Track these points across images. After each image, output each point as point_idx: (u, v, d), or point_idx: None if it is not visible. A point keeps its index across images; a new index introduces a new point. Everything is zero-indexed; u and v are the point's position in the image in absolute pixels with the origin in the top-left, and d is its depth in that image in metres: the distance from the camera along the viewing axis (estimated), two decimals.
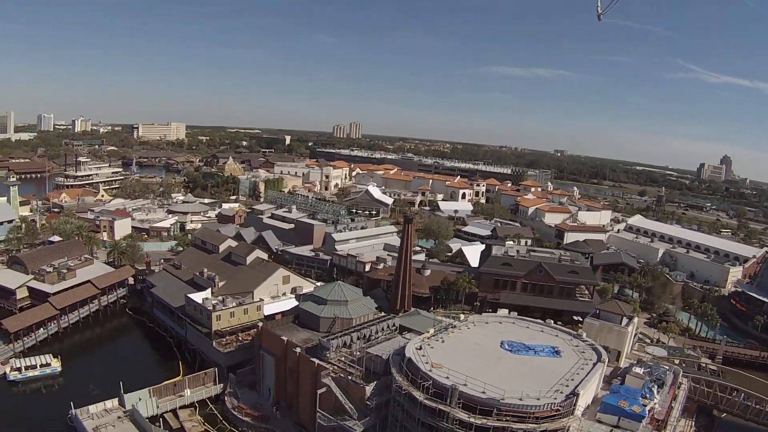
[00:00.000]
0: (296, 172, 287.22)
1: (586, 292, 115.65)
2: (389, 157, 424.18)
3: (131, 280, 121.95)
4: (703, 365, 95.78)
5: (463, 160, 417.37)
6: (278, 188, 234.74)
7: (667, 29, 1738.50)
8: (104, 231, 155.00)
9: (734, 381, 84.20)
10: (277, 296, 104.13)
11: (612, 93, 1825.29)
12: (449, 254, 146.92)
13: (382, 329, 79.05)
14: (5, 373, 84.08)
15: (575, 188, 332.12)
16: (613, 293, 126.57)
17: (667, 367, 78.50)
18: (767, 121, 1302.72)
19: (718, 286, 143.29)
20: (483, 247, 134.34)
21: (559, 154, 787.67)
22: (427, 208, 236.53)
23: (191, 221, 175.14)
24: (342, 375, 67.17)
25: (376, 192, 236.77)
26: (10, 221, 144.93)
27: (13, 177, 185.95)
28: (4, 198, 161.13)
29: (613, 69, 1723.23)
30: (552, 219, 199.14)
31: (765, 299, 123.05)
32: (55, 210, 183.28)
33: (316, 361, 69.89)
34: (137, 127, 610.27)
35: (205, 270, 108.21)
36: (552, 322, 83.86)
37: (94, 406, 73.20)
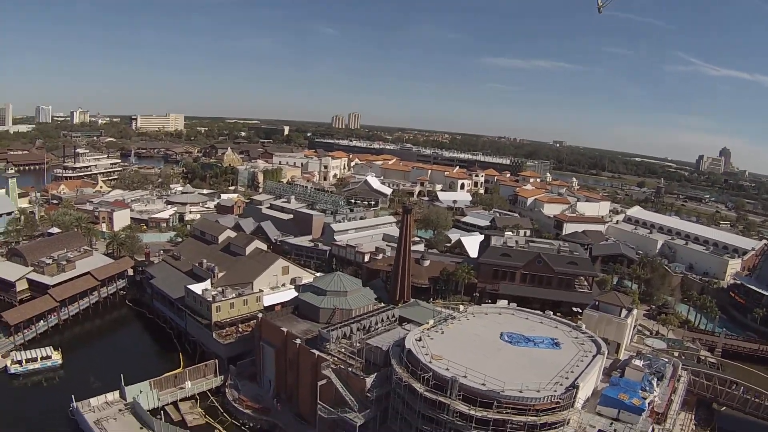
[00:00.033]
0: (295, 163, 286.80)
1: (585, 283, 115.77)
2: (388, 147, 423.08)
3: (131, 272, 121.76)
4: (703, 358, 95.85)
5: (462, 151, 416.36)
6: (277, 179, 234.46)
7: (668, 22, 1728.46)
8: (103, 222, 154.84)
9: (733, 374, 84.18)
10: (276, 287, 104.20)
11: (612, 85, 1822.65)
12: (448, 245, 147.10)
13: (382, 320, 79.16)
14: (6, 366, 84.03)
15: (574, 179, 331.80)
16: (612, 284, 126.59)
17: (667, 360, 78.53)
18: (766, 114, 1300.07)
19: (717, 278, 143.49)
20: (482, 237, 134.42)
21: (558, 145, 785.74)
22: (426, 198, 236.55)
23: (190, 212, 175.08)
24: (342, 366, 67.22)
25: (374, 182, 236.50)
26: (9, 213, 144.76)
27: (12, 169, 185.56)
28: (3, 190, 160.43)
29: (612, 61, 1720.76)
30: (551, 210, 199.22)
31: (764, 292, 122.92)
32: (54, 202, 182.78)
33: (316, 352, 69.92)
34: (135, 119, 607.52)
35: (205, 261, 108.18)
36: (551, 313, 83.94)
37: (95, 399, 73.27)
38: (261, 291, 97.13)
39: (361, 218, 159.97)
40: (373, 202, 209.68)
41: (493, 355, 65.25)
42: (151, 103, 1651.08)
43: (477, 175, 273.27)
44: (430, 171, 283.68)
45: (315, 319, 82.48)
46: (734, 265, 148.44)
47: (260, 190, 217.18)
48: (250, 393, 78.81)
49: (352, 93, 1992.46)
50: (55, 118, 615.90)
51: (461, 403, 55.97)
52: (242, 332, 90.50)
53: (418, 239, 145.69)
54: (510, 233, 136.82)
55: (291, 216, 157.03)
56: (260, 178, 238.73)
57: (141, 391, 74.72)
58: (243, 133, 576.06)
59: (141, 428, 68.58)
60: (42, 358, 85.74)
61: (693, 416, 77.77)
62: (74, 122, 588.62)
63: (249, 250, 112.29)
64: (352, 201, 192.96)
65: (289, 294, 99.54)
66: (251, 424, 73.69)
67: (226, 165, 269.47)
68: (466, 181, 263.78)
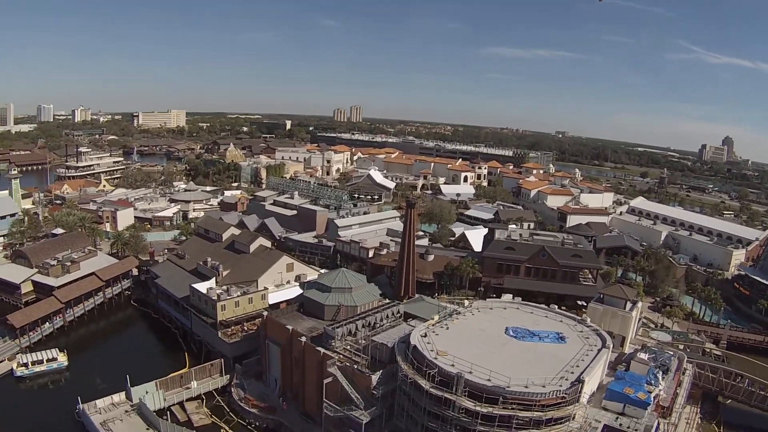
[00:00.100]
0: (297, 158, 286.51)
1: (590, 276, 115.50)
2: (390, 140, 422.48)
3: (135, 271, 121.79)
4: (708, 350, 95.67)
5: (465, 143, 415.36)
6: (280, 174, 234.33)
7: (668, 9, 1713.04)
8: (107, 222, 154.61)
9: (738, 366, 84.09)
10: (281, 284, 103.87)
11: (613, 74, 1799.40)
12: (452, 239, 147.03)
13: (387, 316, 78.99)
14: (12, 369, 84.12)
15: (577, 170, 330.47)
16: (616, 277, 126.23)
17: (672, 353, 78.25)
18: None
19: (721, 269, 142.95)
20: (486, 231, 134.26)
21: (560, 136, 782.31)
22: (429, 191, 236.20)
23: (194, 209, 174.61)
24: (348, 364, 67.29)
25: (378, 176, 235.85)
26: (12, 215, 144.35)
27: (14, 170, 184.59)
28: (6, 191, 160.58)
29: (614, 49, 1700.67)
30: (554, 202, 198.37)
31: None
32: (57, 202, 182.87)
33: (322, 350, 69.85)
34: (137, 116, 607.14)
35: (209, 259, 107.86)
36: (556, 307, 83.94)
37: (102, 400, 73.33)
38: (266, 289, 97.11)
39: (365, 213, 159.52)
40: (376, 197, 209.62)
41: (498, 350, 65.22)
42: (152, 99, 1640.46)
43: (480, 168, 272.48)
44: (432, 164, 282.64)
45: (320, 316, 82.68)
46: (738, 255, 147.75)
47: (263, 186, 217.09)
48: (256, 392, 78.84)
49: (353, 86, 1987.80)
50: (57, 117, 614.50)
51: (467, 400, 55.97)
52: (247, 331, 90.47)
53: (422, 233, 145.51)
54: (514, 226, 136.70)
55: (294, 212, 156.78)
56: (263, 173, 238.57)
57: (147, 392, 74.78)
58: (245, 129, 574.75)
59: (147, 429, 68.62)
60: (48, 360, 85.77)
61: (698, 410, 77.59)
62: (76, 120, 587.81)
63: (253, 247, 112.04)
64: (356, 196, 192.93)
65: (294, 291, 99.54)
66: (257, 424, 73.69)
67: (229, 161, 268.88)
68: (469, 174, 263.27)
